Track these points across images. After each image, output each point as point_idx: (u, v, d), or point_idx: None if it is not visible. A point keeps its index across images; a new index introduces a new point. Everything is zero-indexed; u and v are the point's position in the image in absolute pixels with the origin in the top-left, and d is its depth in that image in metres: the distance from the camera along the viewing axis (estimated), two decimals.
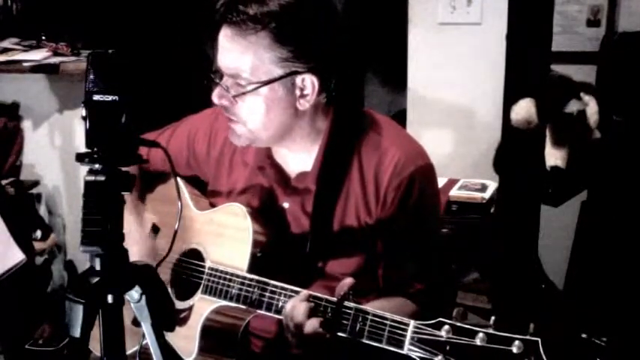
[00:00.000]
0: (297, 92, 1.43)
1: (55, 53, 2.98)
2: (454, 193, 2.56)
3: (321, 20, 1.43)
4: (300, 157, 1.56)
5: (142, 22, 3.13)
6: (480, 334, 1.16)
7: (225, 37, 1.41)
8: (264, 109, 1.43)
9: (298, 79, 1.42)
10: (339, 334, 1.32)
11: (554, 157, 2.32)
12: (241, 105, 1.44)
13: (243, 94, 1.42)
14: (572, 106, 2.26)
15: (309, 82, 1.43)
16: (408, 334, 1.24)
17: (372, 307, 1.37)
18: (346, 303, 1.32)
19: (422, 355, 1.22)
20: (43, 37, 3.04)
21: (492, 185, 2.60)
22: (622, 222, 2.55)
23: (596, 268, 2.63)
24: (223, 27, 1.41)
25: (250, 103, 1.43)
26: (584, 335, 2.22)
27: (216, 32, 1.43)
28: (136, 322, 1.45)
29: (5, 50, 3.02)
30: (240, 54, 1.40)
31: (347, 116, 1.54)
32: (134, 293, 1.20)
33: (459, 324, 1.19)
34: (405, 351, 1.24)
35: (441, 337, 1.20)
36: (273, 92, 1.42)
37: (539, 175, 2.37)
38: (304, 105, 1.45)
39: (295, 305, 1.35)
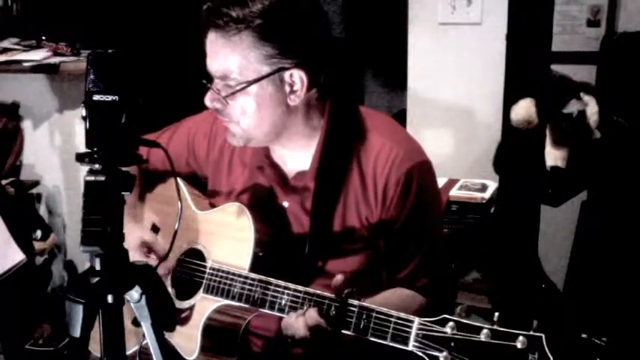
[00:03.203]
0: (287, 88, 1.44)
1: (55, 53, 2.98)
2: (454, 193, 2.56)
3: (303, 15, 1.44)
4: (297, 156, 1.56)
5: (142, 22, 3.13)
6: (485, 330, 1.18)
7: (211, 41, 1.43)
8: (255, 107, 1.44)
9: (286, 75, 1.43)
10: (344, 331, 1.33)
11: (554, 157, 2.32)
12: (233, 106, 1.45)
13: (233, 94, 1.43)
14: (572, 106, 2.26)
15: (297, 78, 1.43)
16: (413, 331, 1.25)
17: (378, 299, 1.38)
18: (350, 301, 1.33)
19: (427, 352, 1.23)
20: (43, 37, 3.03)
21: (492, 185, 2.60)
22: (622, 222, 2.55)
23: (596, 269, 2.62)
24: (209, 31, 1.43)
25: (242, 103, 1.44)
26: (584, 335, 2.22)
27: (204, 38, 1.44)
28: (136, 322, 1.45)
29: (5, 50, 3.02)
30: (226, 56, 1.41)
31: (343, 114, 1.55)
32: (134, 293, 1.20)
33: (463, 320, 1.21)
34: (410, 347, 1.25)
35: (446, 333, 1.21)
36: (262, 90, 1.43)
37: (539, 175, 2.37)
38: (295, 101, 1.46)
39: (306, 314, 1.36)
